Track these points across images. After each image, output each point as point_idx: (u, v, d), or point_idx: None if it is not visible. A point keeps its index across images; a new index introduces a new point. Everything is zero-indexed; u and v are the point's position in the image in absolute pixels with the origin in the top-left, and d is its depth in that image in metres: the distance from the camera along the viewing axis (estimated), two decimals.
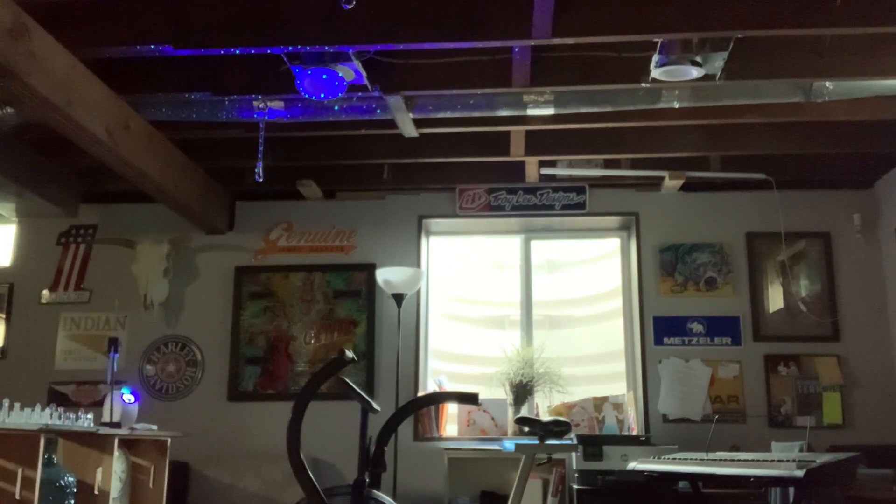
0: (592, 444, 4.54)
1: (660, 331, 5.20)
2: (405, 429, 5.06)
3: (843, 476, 3.14)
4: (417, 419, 5.17)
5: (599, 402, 5.16)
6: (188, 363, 5.40)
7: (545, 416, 5.04)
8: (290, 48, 3.45)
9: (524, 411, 5.14)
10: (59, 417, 3.49)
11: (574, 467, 4.64)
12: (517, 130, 4.65)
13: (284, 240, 5.58)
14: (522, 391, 5.17)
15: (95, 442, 3.81)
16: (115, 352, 4.38)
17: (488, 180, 5.44)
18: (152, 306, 5.37)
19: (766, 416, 5.04)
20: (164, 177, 4.63)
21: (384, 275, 5.04)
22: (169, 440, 4.33)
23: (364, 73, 3.65)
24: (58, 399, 5.19)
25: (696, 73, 3.50)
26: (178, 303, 5.48)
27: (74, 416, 3.60)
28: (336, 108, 4.18)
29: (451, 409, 5.27)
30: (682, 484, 4.29)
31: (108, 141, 3.94)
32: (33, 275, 5.59)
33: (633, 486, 4.29)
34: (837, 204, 5.33)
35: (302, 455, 2.85)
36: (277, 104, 4.17)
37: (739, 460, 3.50)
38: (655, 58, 3.49)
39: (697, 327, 5.20)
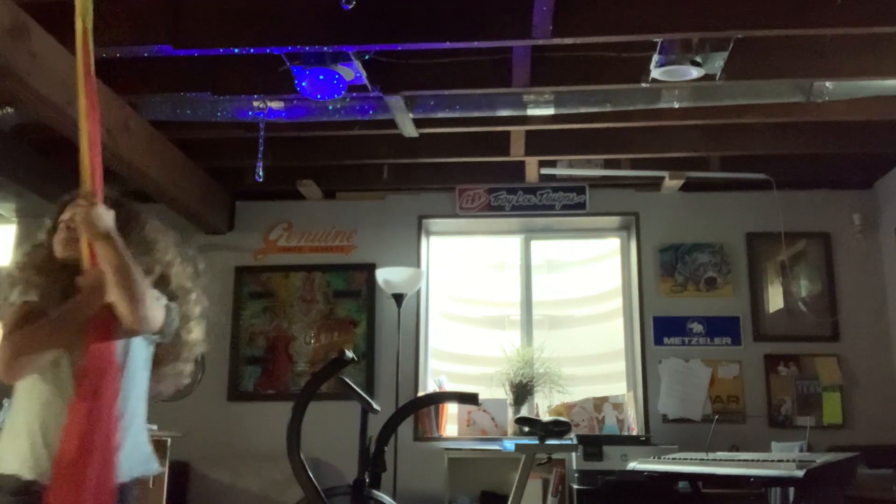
0: (592, 444, 4.54)
1: (660, 331, 5.20)
2: (405, 429, 5.05)
3: (843, 476, 3.15)
4: (417, 419, 5.16)
5: (599, 402, 5.16)
6: None
7: (545, 416, 5.04)
8: (290, 48, 3.45)
9: (524, 411, 5.14)
10: None
11: (574, 467, 4.64)
12: (517, 130, 4.64)
13: (284, 240, 5.58)
14: (522, 391, 5.17)
15: None
16: None
17: (488, 180, 5.44)
18: None
19: (765, 416, 5.03)
20: (164, 177, 4.63)
21: (384, 275, 5.03)
22: (169, 440, 4.32)
23: (364, 73, 3.65)
24: None
25: (696, 73, 3.50)
26: None
27: None
28: (331, 108, 4.17)
29: (451, 409, 5.27)
30: (682, 484, 4.29)
31: (108, 141, 3.93)
32: None
33: (633, 486, 4.29)
34: (837, 204, 5.32)
35: (302, 455, 2.86)
36: (277, 104, 4.17)
37: (739, 460, 3.50)
38: (655, 58, 3.49)
39: (697, 327, 5.19)
